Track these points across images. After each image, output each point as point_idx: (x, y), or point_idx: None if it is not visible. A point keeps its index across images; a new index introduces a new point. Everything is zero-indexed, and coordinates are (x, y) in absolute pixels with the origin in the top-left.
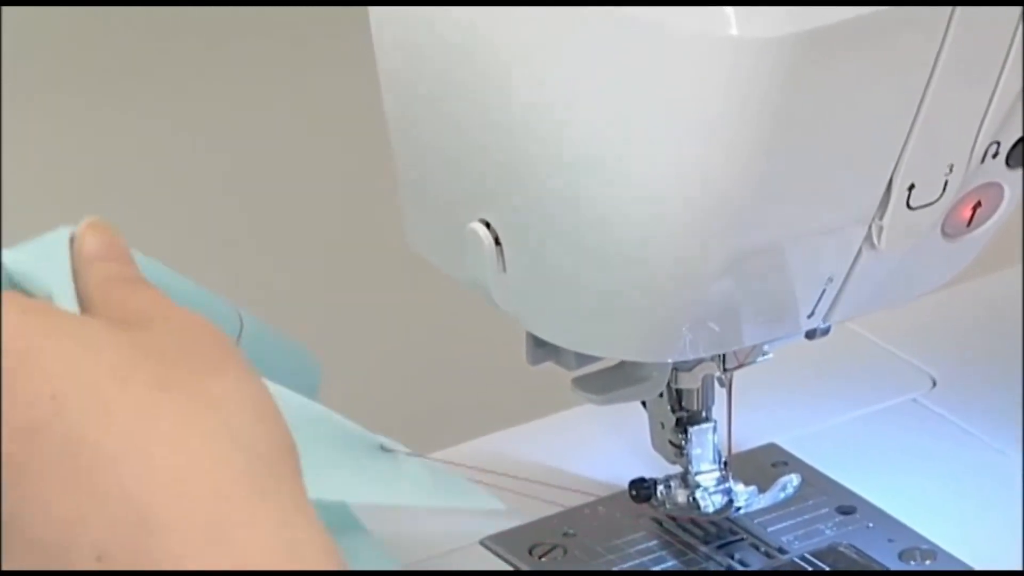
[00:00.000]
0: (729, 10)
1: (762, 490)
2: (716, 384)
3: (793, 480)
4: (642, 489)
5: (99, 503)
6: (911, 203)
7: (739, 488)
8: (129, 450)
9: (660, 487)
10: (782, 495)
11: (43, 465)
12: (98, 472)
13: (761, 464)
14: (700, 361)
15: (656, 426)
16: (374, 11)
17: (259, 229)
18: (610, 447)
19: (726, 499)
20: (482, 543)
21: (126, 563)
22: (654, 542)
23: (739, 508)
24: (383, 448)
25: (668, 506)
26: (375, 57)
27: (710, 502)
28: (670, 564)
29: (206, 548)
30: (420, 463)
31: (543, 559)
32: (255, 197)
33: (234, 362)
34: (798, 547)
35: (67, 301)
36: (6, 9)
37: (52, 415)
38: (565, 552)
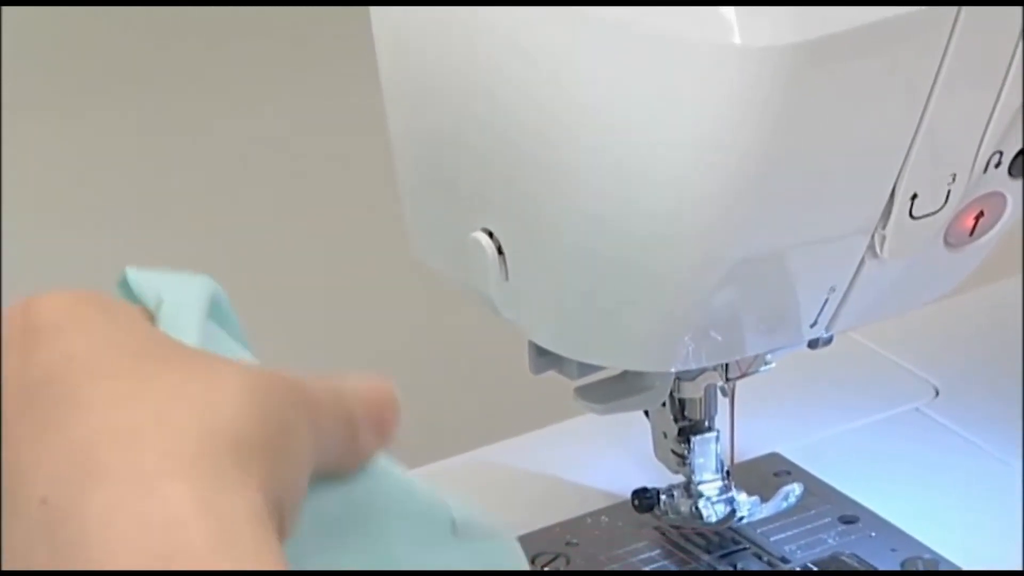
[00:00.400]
0: (732, 19)
1: (764, 499)
2: (719, 393)
3: (795, 489)
4: (645, 499)
5: (57, 448)
6: (914, 212)
7: (741, 497)
8: (105, 406)
9: (663, 497)
10: (784, 504)
11: (16, 415)
12: (70, 422)
13: (764, 473)
14: (703, 370)
15: (659, 435)
16: (375, 12)
17: (260, 237)
18: (613, 456)
19: (728, 508)
20: None
21: (64, 511)
22: (657, 551)
23: (741, 517)
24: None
25: (671, 515)
26: (377, 62)
27: (713, 511)
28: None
29: (136, 504)
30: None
31: (546, 568)
32: (257, 204)
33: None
34: (800, 556)
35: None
36: (6, 9)
37: (60, 370)
38: (568, 561)
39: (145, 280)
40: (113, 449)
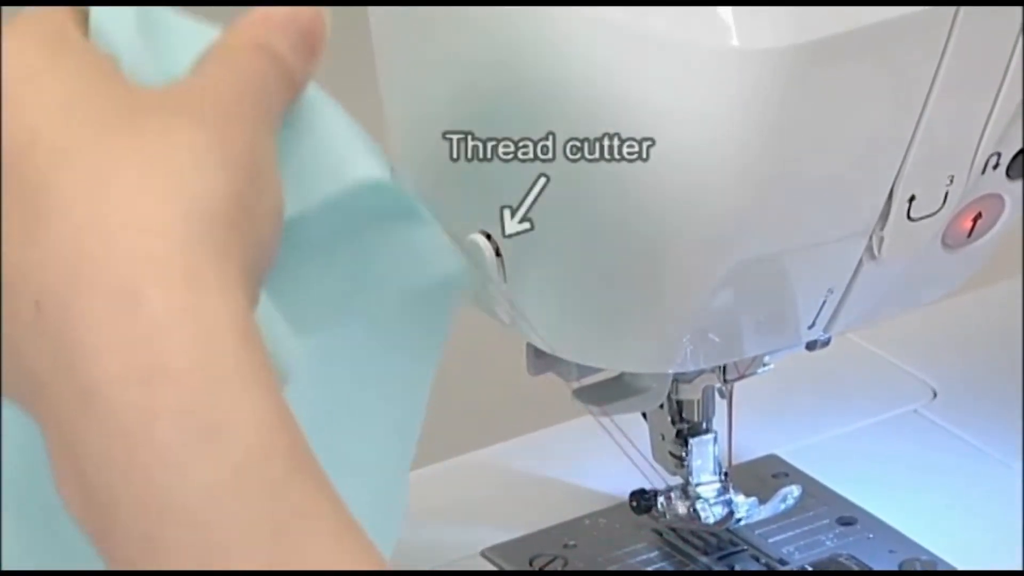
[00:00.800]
0: (731, 21)
1: (762, 501)
2: (717, 395)
3: (793, 491)
4: (643, 500)
5: (47, 248)
6: (912, 214)
7: (739, 499)
8: (85, 197)
9: (661, 498)
10: (783, 506)
11: (6, 208)
12: (53, 217)
13: (762, 475)
14: (701, 372)
15: (656, 437)
16: (373, 12)
17: None
18: (610, 458)
19: (726, 510)
20: (483, 554)
21: (56, 319)
22: (655, 553)
23: (739, 519)
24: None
25: (668, 517)
26: (375, 62)
27: (711, 513)
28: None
29: (120, 303)
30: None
31: (544, 569)
32: None
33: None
34: (798, 558)
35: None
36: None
37: (25, 149)
38: (566, 563)
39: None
40: (96, 255)
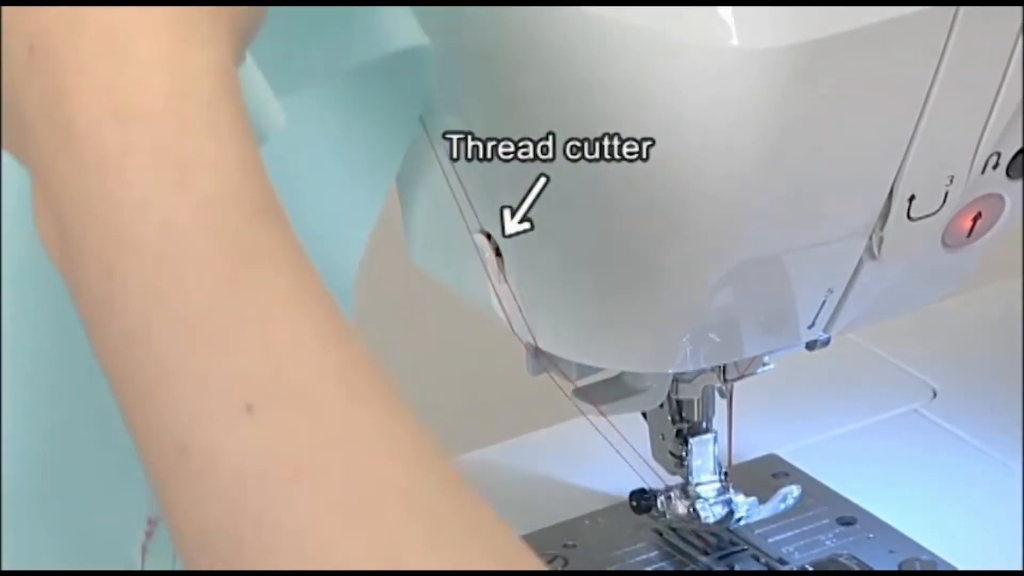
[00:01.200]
0: (731, 21)
1: (762, 501)
2: (716, 395)
3: (793, 491)
4: (642, 500)
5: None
6: (911, 214)
7: (739, 499)
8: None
9: (660, 498)
10: (782, 506)
11: None
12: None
13: (761, 475)
14: (700, 372)
15: (656, 437)
16: None
17: None
18: (610, 458)
19: (726, 510)
20: None
21: (47, 58)
22: (655, 553)
23: (739, 519)
24: None
25: (668, 517)
26: None
27: (710, 513)
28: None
29: (107, 47)
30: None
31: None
32: None
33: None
34: (798, 558)
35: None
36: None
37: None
38: (566, 563)
39: None
40: (96, 8)
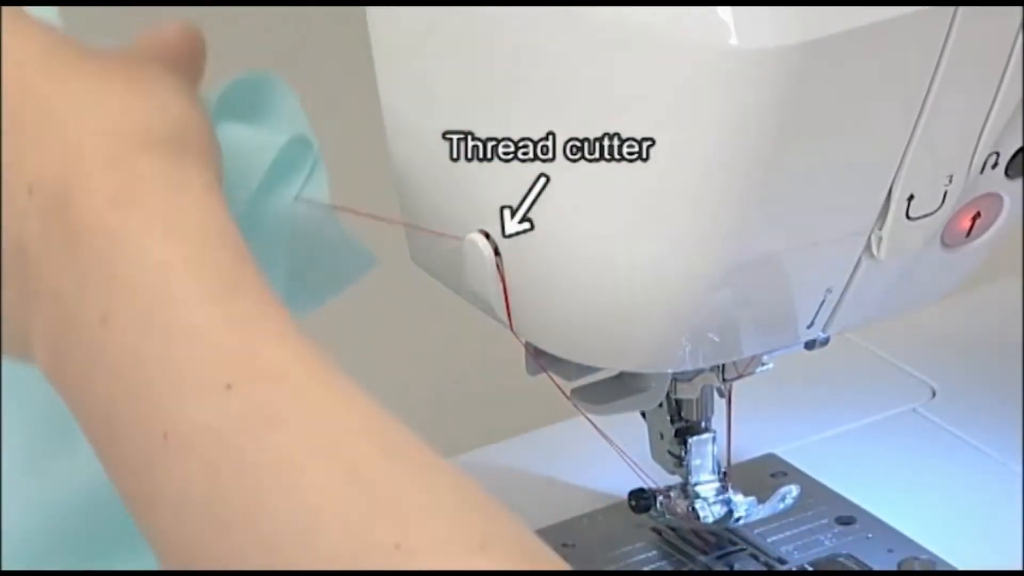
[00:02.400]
0: (729, 20)
1: (761, 500)
2: (715, 394)
3: (792, 490)
4: (641, 499)
5: (35, 141)
6: (910, 213)
7: (738, 498)
8: (74, 103)
9: (659, 497)
10: (781, 505)
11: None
12: (41, 116)
13: (760, 474)
14: (699, 371)
15: (655, 436)
16: (372, 12)
17: None
18: (610, 457)
19: (725, 509)
20: None
21: (50, 194)
22: (653, 552)
23: (738, 518)
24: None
25: (667, 516)
26: (374, 63)
27: (709, 512)
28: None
29: (111, 173)
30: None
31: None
32: None
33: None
34: (797, 557)
35: None
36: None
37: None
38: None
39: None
40: (94, 143)
